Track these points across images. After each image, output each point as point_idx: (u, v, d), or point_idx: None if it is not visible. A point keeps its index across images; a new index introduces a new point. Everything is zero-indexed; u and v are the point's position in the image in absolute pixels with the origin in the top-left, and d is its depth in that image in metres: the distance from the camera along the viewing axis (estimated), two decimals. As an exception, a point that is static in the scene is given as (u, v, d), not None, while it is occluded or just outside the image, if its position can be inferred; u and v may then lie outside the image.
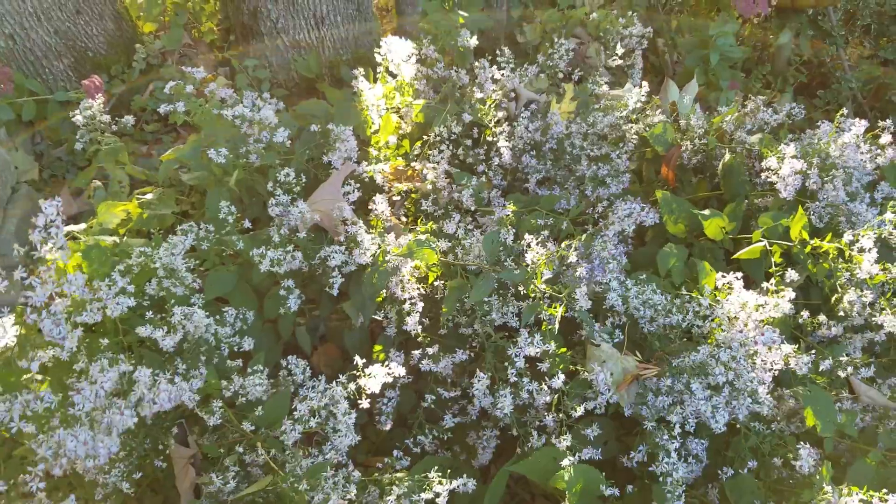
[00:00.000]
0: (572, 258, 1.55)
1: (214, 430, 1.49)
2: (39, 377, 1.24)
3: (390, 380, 1.37)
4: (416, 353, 1.61)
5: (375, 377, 1.35)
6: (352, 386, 1.37)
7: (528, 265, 1.62)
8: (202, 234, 1.65)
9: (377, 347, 1.74)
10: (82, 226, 1.87)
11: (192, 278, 1.57)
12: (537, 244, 1.64)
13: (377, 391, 1.36)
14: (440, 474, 1.37)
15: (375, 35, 2.59)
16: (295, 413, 1.37)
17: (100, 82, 2.22)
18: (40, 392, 1.11)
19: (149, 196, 1.98)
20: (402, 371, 1.41)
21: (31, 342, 1.16)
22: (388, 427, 1.62)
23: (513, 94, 2.04)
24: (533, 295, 1.59)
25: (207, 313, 1.52)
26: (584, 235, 1.65)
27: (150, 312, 1.48)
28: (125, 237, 1.87)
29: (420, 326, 1.63)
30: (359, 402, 1.36)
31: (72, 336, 1.14)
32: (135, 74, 2.38)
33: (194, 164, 1.93)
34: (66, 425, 1.11)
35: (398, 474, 1.41)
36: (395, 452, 1.53)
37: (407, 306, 1.64)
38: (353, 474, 1.32)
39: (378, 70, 2.03)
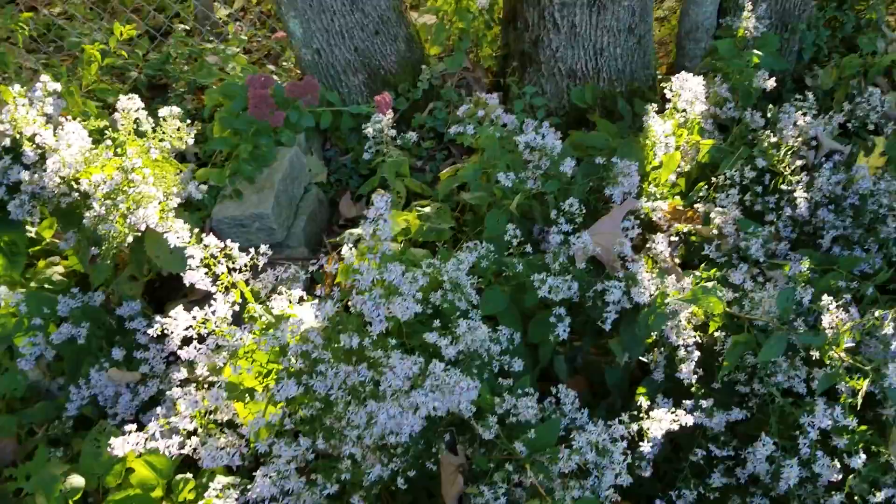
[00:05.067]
0: (888, 329, 1.44)
1: (482, 444, 1.57)
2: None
3: (675, 427, 1.37)
4: (688, 403, 1.59)
5: (661, 422, 1.35)
6: (634, 426, 1.38)
7: (824, 329, 1.53)
8: (483, 252, 1.76)
9: (641, 389, 1.73)
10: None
11: (474, 294, 1.68)
12: (837, 308, 1.55)
13: (659, 437, 1.36)
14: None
15: (652, 69, 2.59)
16: (573, 443, 1.40)
17: (389, 99, 2.45)
18: (358, 367, 1.25)
19: (427, 210, 2.15)
20: (689, 420, 1.39)
21: (345, 323, 1.31)
22: (647, 473, 1.61)
23: (814, 142, 1.95)
24: (829, 363, 1.50)
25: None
26: None
27: (437, 321, 1.60)
28: (402, 245, 2.05)
29: (694, 376, 1.60)
30: (640, 444, 1.37)
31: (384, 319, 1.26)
32: (418, 94, 2.60)
33: (474, 185, 2.07)
34: (376, 399, 1.23)
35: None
36: (657, 502, 1.52)
37: (682, 353, 1.62)
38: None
39: (667, 105, 2.03)
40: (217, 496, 1.48)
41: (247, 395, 1.58)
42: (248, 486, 1.58)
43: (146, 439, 1.35)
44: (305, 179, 2.48)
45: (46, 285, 2.04)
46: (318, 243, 2.48)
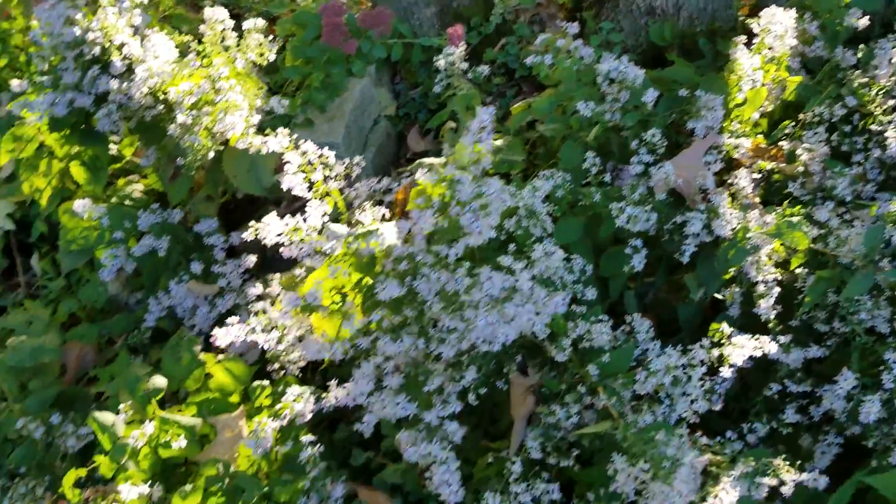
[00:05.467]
0: None
1: (553, 368, 1.58)
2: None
3: (758, 353, 1.36)
4: (765, 338, 1.57)
5: (743, 347, 1.35)
6: (714, 352, 1.38)
7: (913, 268, 1.50)
8: (559, 181, 1.75)
9: (715, 326, 1.71)
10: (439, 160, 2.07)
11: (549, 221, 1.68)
12: (928, 248, 1.51)
13: (739, 363, 1.36)
14: (789, 463, 1.33)
15: (733, 9, 2.51)
16: (650, 366, 1.40)
17: (461, 31, 2.42)
18: (454, 275, 1.27)
19: (499, 142, 2.14)
20: (773, 348, 1.38)
21: (444, 233, 1.33)
22: (718, 407, 1.60)
23: (908, 83, 1.87)
24: (916, 302, 1.47)
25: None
26: None
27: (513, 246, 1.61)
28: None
29: (773, 312, 1.58)
30: (720, 370, 1.37)
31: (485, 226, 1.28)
32: (490, 28, 2.56)
33: (549, 117, 2.05)
34: (473, 308, 1.25)
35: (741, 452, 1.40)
36: (727, 433, 1.51)
37: (762, 288, 1.60)
38: (700, 439, 1.34)
39: (753, 43, 1.98)
40: (295, 400, 1.52)
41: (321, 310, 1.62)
42: (323, 395, 1.63)
43: (247, 332, 1.39)
44: (375, 111, 2.48)
45: (126, 202, 2.10)
46: (386, 175, 2.49)
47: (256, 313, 1.47)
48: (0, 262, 2.29)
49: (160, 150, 1.95)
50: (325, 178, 1.46)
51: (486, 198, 1.30)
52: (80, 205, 1.92)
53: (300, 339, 1.74)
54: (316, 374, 1.91)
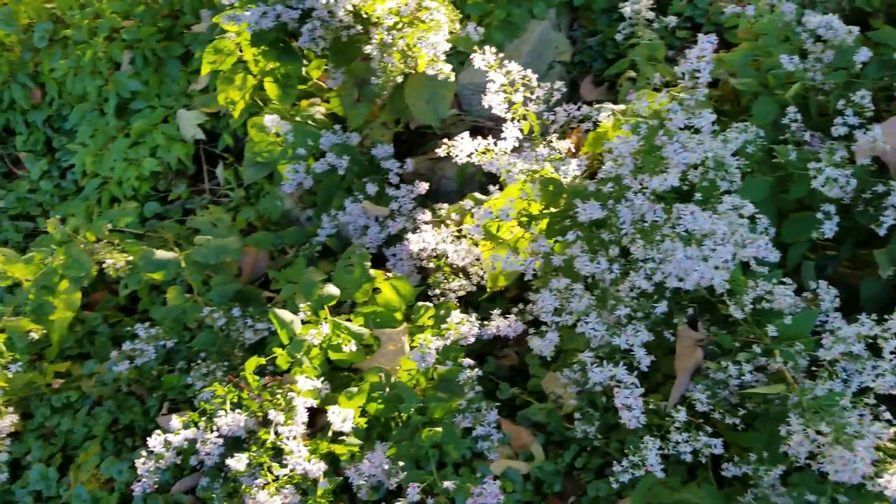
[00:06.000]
0: None
1: (725, 326, 1.54)
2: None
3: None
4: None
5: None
6: (916, 325, 1.29)
7: None
8: (751, 136, 1.68)
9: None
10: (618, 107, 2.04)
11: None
12: None
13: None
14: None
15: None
16: (837, 332, 1.34)
17: (650, -20, 2.34)
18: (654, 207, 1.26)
19: (682, 94, 2.07)
20: None
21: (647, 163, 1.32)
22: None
23: None
24: None
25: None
26: None
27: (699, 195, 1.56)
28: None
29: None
30: None
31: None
32: (682, -23, 2.47)
33: (742, 71, 1.96)
34: (671, 239, 1.24)
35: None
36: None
37: (968, 271, 1.48)
38: (882, 414, 1.27)
39: None
40: (459, 322, 1.57)
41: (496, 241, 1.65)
42: (485, 323, 1.67)
43: (440, 241, 1.44)
44: (550, 56, 2.46)
45: (309, 122, 2.21)
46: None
47: (447, 224, 1.50)
48: (189, 169, 2.47)
49: (348, 73, 2.03)
50: (525, 101, 1.48)
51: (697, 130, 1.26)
52: (269, 119, 2.03)
53: (463, 270, 1.80)
54: (468, 307, 1.96)
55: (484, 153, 1.43)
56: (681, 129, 1.31)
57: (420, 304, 1.75)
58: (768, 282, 1.50)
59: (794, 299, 1.51)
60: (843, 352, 1.33)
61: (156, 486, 1.49)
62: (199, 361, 1.81)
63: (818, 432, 1.22)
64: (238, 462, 1.36)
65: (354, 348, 1.61)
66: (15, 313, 1.88)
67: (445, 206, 1.99)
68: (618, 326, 1.30)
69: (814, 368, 1.41)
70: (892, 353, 1.31)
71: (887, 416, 1.30)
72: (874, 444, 1.20)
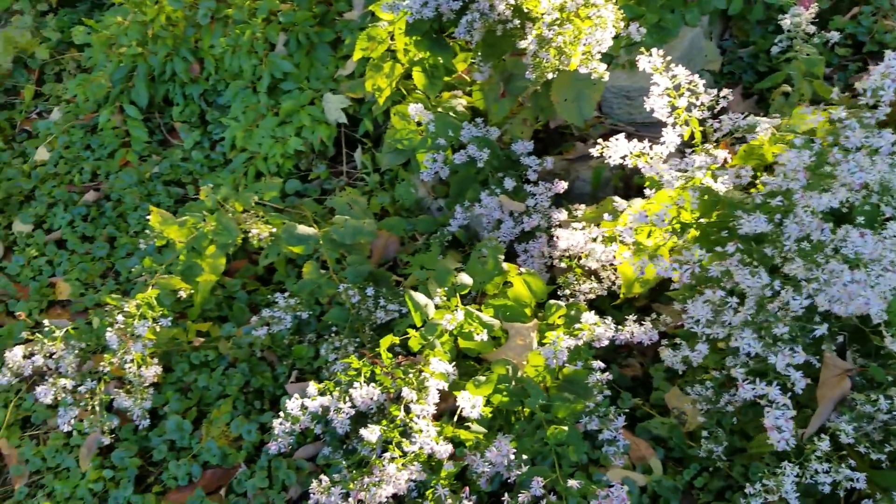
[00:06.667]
0: None
1: (877, 357, 1.47)
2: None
3: None
4: None
5: None
6: None
7: None
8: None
9: None
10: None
11: None
12: None
13: None
14: None
15: None
16: None
17: (814, -7, 2.25)
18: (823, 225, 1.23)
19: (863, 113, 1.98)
20: None
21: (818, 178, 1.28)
22: None
23: None
24: None
25: None
26: None
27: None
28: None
29: None
30: None
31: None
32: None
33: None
34: (837, 260, 1.20)
35: None
36: None
37: None
38: None
39: None
40: (595, 324, 1.57)
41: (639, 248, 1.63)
42: (620, 327, 1.66)
43: (589, 240, 1.45)
44: (699, 65, 2.41)
45: (451, 114, 2.25)
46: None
47: (586, 225, 1.51)
48: (329, 151, 2.57)
49: (496, 68, 2.06)
50: (690, 106, 1.46)
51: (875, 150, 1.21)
52: (414, 108, 2.09)
53: (595, 273, 1.79)
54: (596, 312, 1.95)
55: (639, 156, 1.42)
56: (857, 148, 1.26)
57: (552, 301, 1.76)
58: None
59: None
60: None
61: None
62: (332, 335, 1.88)
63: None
64: (371, 433, 1.41)
65: (485, 338, 1.63)
66: (167, 272, 2.02)
67: (582, 206, 1.99)
68: (775, 345, 1.27)
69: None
70: None
71: None
72: None
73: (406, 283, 2.06)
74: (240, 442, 1.89)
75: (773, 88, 2.24)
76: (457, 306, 1.71)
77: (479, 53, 2.08)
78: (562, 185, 1.97)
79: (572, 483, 1.41)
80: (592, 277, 1.90)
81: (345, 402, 1.50)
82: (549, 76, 1.85)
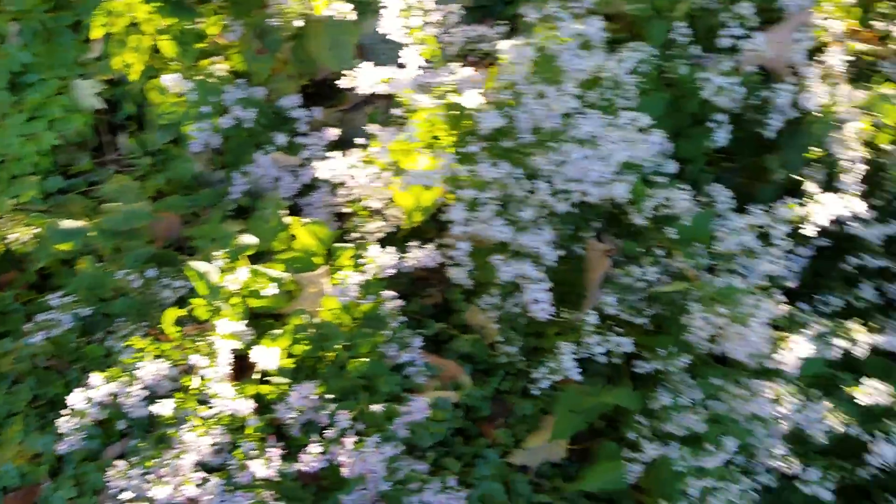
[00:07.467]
0: None
1: (630, 234, 1.63)
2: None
3: (848, 213, 1.37)
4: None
5: (827, 206, 1.37)
6: (799, 210, 1.40)
7: None
8: (645, 55, 1.76)
9: (790, 206, 1.73)
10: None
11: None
12: None
13: (825, 223, 1.38)
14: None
15: None
16: (728, 225, 1.44)
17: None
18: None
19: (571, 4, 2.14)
20: (860, 206, 1.40)
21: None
22: (794, 284, 1.63)
23: None
24: None
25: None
26: None
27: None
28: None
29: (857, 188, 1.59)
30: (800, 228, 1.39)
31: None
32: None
33: (633, -2, 2.04)
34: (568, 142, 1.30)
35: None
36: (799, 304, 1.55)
37: (845, 164, 1.60)
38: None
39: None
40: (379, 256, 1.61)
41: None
42: (404, 255, 1.71)
43: (349, 166, 1.47)
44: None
45: (210, 80, 2.18)
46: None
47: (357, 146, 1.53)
48: (90, 140, 2.41)
49: (247, 25, 2.02)
50: (423, 25, 1.51)
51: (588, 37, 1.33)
52: (168, 79, 2.01)
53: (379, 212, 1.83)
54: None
55: (387, 82, 1.46)
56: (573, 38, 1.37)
57: (338, 244, 1.78)
58: (667, 189, 1.60)
59: (692, 203, 1.61)
60: (738, 244, 1.43)
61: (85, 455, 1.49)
62: (118, 326, 1.79)
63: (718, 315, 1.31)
64: (163, 407, 1.37)
65: (276, 291, 1.63)
66: (-84, 296, 1.82)
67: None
68: (525, 229, 1.36)
69: (714, 264, 1.51)
70: (782, 239, 1.41)
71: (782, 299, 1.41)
72: (767, 320, 1.31)
73: (195, 258, 2.00)
74: (39, 458, 1.76)
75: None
76: (241, 267, 1.69)
77: (228, 12, 2.04)
78: (333, 132, 1.98)
79: (376, 408, 1.45)
80: (379, 217, 1.93)
81: (133, 385, 1.44)
82: (297, 24, 1.85)
